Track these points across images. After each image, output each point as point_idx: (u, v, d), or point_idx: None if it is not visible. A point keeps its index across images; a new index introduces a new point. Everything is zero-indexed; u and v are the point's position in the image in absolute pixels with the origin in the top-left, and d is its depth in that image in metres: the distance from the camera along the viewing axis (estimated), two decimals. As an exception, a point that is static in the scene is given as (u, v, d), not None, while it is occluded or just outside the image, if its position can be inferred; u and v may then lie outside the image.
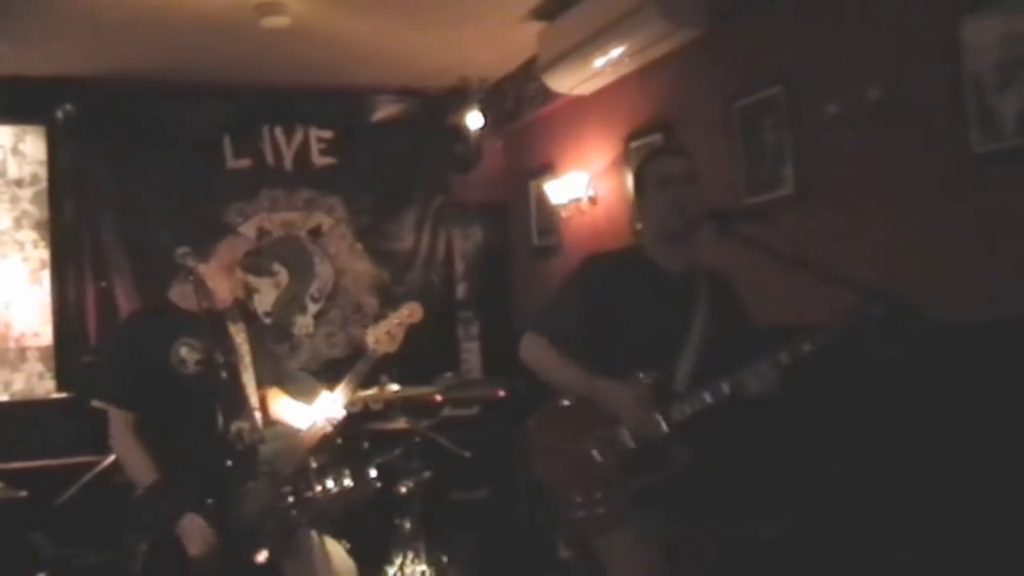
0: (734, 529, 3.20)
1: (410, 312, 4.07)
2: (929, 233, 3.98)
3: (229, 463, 3.66)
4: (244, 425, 3.80)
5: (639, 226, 3.55)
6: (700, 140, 5.12)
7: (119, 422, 3.75)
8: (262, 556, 3.69)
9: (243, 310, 4.11)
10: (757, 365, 2.97)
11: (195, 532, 3.56)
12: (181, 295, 3.89)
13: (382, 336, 4.01)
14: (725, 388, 3.00)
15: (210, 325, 3.74)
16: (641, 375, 3.10)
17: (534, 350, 3.31)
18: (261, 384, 3.97)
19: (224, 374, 3.66)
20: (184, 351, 3.78)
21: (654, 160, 3.42)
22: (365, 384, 4.51)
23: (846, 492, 3.82)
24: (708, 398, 3.02)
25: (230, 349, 3.86)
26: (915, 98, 4.00)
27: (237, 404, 3.78)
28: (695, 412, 3.03)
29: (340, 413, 4.01)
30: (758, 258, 3.10)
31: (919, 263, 3.96)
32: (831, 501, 3.81)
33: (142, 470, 3.68)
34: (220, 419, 3.61)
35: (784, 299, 3.95)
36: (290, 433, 4.03)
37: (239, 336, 3.96)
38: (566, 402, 3.29)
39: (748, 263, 3.29)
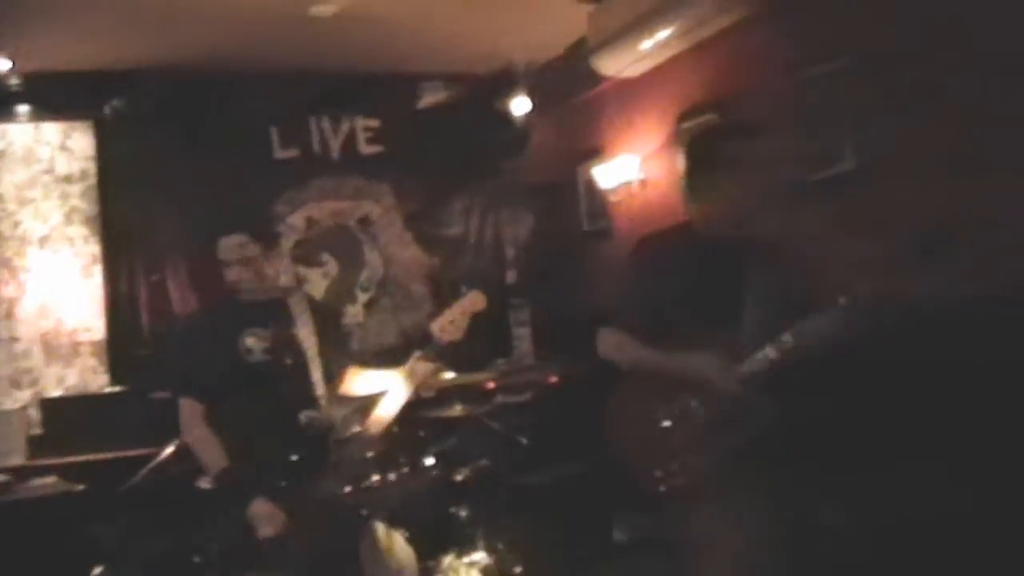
0: (808, 509, 3.14)
1: (473, 301, 4.08)
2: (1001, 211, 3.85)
3: (299, 455, 3.69)
4: (314, 414, 3.81)
5: (693, 205, 3.42)
6: (756, 118, 5.03)
7: (189, 411, 3.78)
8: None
9: (308, 299, 4.12)
10: (817, 313, 2.94)
11: (265, 514, 3.63)
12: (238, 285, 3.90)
13: (447, 325, 4.01)
14: (788, 339, 2.96)
15: (275, 314, 3.78)
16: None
17: (607, 345, 3.36)
18: (329, 372, 3.97)
19: (290, 361, 3.69)
20: (251, 341, 3.80)
21: (730, 138, 3.30)
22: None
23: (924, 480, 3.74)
24: (773, 353, 2.99)
25: (295, 338, 3.88)
26: (990, 73, 3.87)
27: (306, 393, 3.80)
28: (763, 370, 3.00)
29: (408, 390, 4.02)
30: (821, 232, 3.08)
31: (991, 239, 3.85)
32: (904, 488, 3.74)
33: (214, 457, 3.76)
34: (290, 406, 3.65)
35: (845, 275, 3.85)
36: (358, 419, 4.03)
37: (305, 327, 3.97)
38: (641, 380, 3.28)
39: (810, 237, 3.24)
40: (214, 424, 3.79)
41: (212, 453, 3.75)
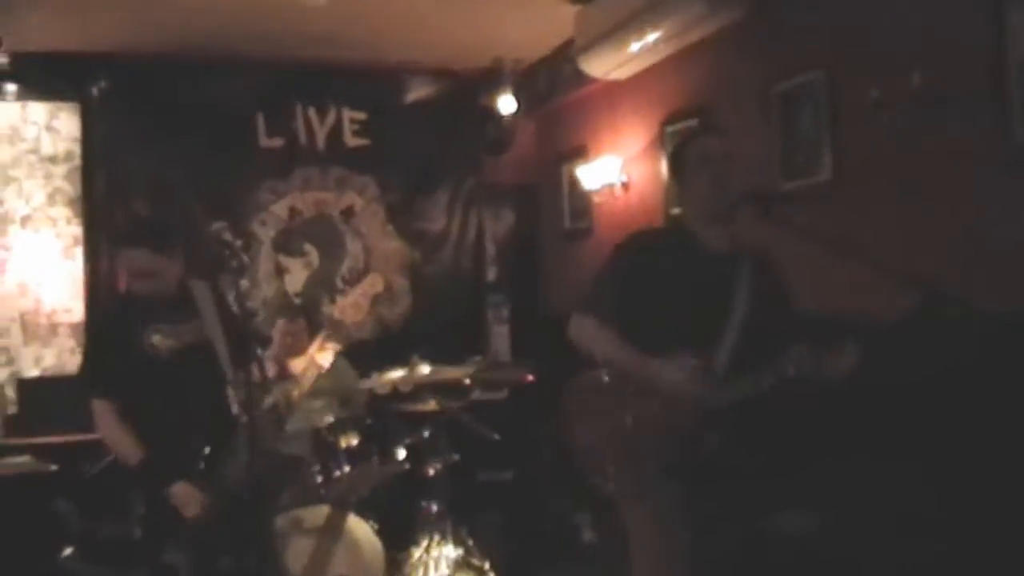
0: (758, 517, 3.15)
1: (371, 283, 4.17)
2: (967, 223, 3.90)
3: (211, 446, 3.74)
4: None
5: (676, 210, 3.50)
6: (737, 125, 5.07)
7: (102, 410, 3.83)
8: None
9: (214, 292, 4.10)
10: (801, 352, 2.91)
11: (186, 497, 3.69)
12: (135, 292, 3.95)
13: (347, 308, 4.11)
14: (770, 378, 2.94)
15: (181, 309, 3.84)
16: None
17: (582, 330, 3.28)
18: (237, 357, 3.95)
19: (199, 360, 3.77)
20: (156, 338, 3.84)
21: (693, 140, 3.41)
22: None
23: (874, 488, 3.78)
24: (752, 387, 2.97)
25: (202, 332, 3.91)
26: (957, 86, 3.93)
27: (216, 386, 3.85)
28: (737, 401, 2.98)
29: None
30: (795, 242, 3.08)
31: (956, 252, 3.90)
32: (857, 497, 3.77)
33: (130, 450, 3.79)
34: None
35: (820, 285, 3.90)
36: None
37: (210, 317, 3.96)
38: (603, 374, 3.25)
39: (785, 247, 3.26)
40: (127, 421, 3.82)
41: (126, 447, 3.79)
